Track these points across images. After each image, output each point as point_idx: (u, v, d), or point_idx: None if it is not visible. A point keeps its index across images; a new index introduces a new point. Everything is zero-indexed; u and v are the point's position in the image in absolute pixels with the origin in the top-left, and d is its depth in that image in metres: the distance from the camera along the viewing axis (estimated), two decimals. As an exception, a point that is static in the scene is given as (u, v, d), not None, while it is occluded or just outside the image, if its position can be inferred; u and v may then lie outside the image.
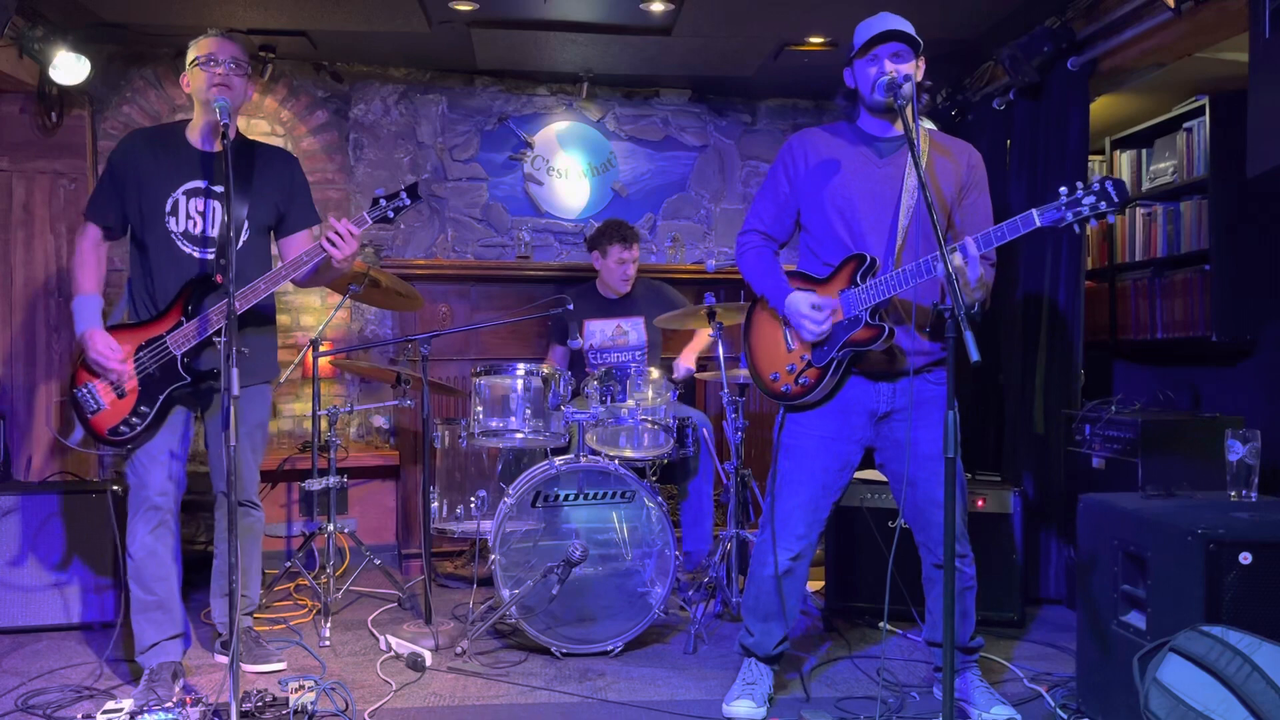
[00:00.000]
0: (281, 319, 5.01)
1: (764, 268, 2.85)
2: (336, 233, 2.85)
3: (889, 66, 2.61)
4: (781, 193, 2.85)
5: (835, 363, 2.70)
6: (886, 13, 2.70)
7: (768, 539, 2.84)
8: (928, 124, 4.63)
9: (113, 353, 2.87)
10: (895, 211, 2.70)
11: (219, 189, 2.99)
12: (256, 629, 3.40)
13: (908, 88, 2.51)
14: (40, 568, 3.62)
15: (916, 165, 2.37)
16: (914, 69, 2.64)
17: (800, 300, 2.71)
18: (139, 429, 2.90)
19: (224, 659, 3.18)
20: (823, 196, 2.75)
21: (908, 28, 2.64)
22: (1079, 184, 2.37)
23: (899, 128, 2.75)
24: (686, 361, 4.37)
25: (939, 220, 2.34)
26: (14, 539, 3.61)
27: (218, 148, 2.99)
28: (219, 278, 2.92)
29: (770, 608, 2.88)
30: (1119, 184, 2.33)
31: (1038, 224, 2.40)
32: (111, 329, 2.93)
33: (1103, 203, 2.33)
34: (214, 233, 2.98)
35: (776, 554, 2.82)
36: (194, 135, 3.03)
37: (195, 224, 2.98)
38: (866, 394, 2.77)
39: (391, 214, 2.97)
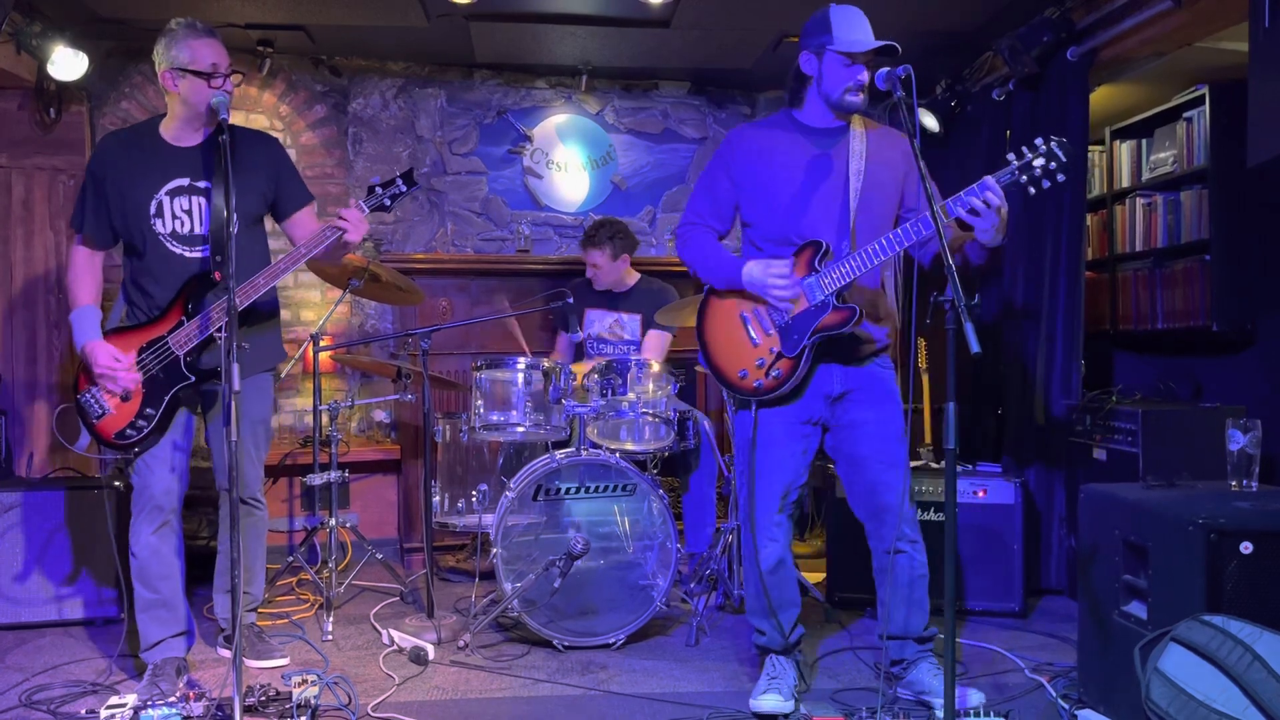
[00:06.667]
0: (282, 314, 4.99)
1: (709, 250, 2.86)
2: (344, 219, 2.88)
3: (866, 75, 2.67)
4: (720, 188, 2.86)
5: (807, 350, 2.72)
6: (863, 17, 2.71)
7: (750, 536, 2.85)
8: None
9: (118, 364, 2.84)
10: (844, 200, 2.73)
11: (203, 184, 2.94)
12: (259, 624, 3.41)
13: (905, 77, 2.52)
14: (43, 564, 3.63)
15: (916, 155, 2.40)
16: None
17: (757, 268, 2.72)
18: (146, 431, 2.88)
19: (227, 653, 3.18)
20: (769, 191, 2.78)
21: (885, 41, 2.64)
22: (1025, 149, 2.47)
23: (839, 119, 2.78)
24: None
25: (887, 202, 2.49)
26: (16, 536, 3.62)
27: (196, 141, 2.96)
28: (217, 275, 2.88)
29: (778, 597, 2.88)
30: (1062, 142, 2.45)
31: (994, 187, 2.47)
32: (111, 334, 2.90)
33: (1052, 163, 2.44)
34: (203, 230, 2.94)
35: (758, 549, 2.83)
36: (170, 132, 2.97)
37: (183, 223, 2.93)
38: (821, 378, 2.81)
39: (389, 201, 2.97)
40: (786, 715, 2.76)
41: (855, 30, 2.68)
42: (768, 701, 2.77)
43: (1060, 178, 2.45)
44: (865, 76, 2.66)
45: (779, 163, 2.77)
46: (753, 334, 2.80)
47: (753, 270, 2.73)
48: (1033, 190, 2.47)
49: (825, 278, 2.67)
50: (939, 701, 2.68)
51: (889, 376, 2.85)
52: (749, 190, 2.81)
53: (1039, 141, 2.45)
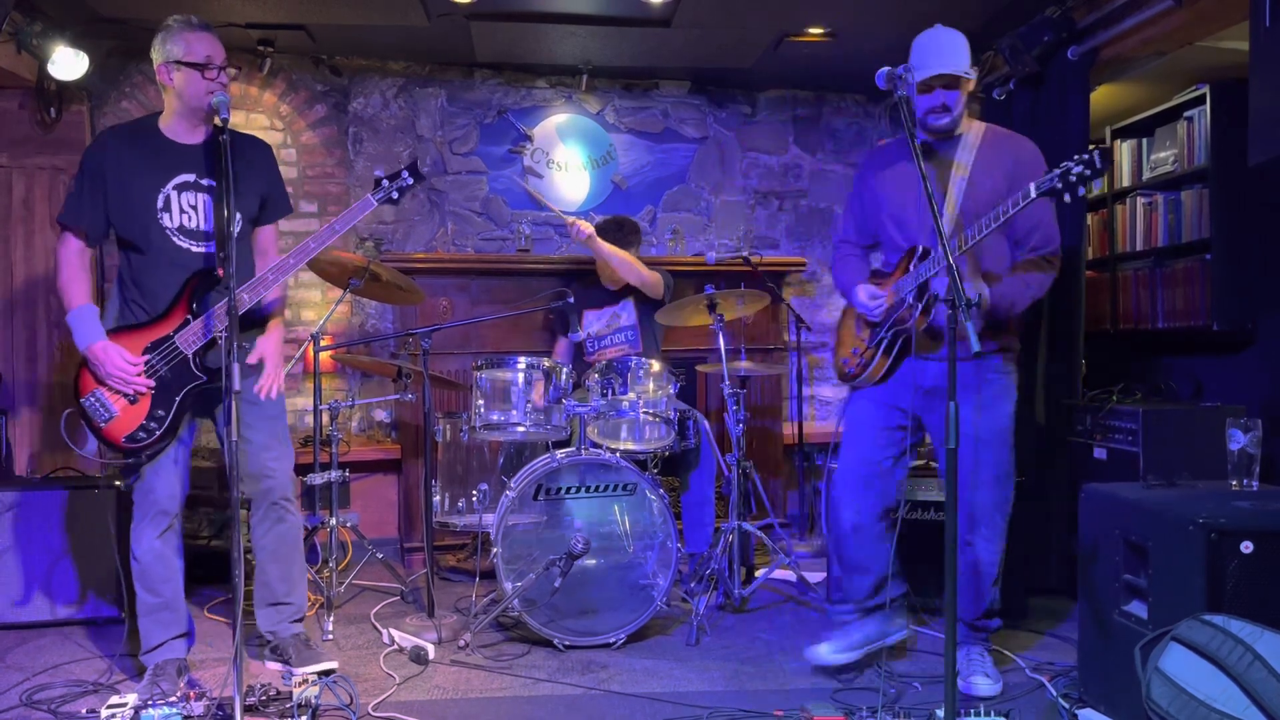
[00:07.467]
0: (283, 314, 5.01)
1: (846, 272, 3.20)
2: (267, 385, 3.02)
3: (942, 96, 2.87)
4: (856, 207, 3.21)
5: (883, 341, 2.98)
6: (939, 35, 2.88)
7: (834, 496, 3.12)
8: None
9: (132, 367, 2.80)
10: (942, 204, 2.91)
11: (206, 182, 2.93)
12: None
13: (907, 78, 2.64)
14: (42, 564, 3.63)
15: (916, 155, 2.48)
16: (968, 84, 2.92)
17: (860, 291, 3.05)
18: (157, 433, 2.84)
19: (275, 666, 3.09)
20: (884, 206, 3.07)
21: (956, 60, 2.84)
22: (1073, 159, 2.57)
23: (936, 137, 2.96)
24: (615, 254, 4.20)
25: (990, 207, 2.62)
26: (16, 535, 3.62)
27: (198, 139, 2.95)
28: (220, 271, 2.86)
29: (852, 559, 3.08)
30: (1105, 152, 2.55)
31: (1034, 195, 2.58)
32: (111, 334, 2.84)
33: (1089, 170, 2.53)
34: (207, 227, 2.93)
35: (838, 510, 3.07)
36: (170, 128, 2.95)
37: (190, 219, 2.92)
38: (913, 369, 2.98)
39: (396, 194, 2.97)
40: (840, 666, 3.02)
41: (927, 56, 2.85)
42: (819, 652, 3.02)
43: (1097, 184, 2.54)
44: (940, 98, 2.86)
45: (893, 180, 3.05)
46: (857, 327, 3.14)
47: (856, 293, 3.05)
48: (1068, 197, 2.55)
49: (910, 277, 2.88)
50: (969, 682, 2.91)
51: (977, 383, 2.91)
52: (871, 206, 3.12)
53: (1087, 153, 2.53)
